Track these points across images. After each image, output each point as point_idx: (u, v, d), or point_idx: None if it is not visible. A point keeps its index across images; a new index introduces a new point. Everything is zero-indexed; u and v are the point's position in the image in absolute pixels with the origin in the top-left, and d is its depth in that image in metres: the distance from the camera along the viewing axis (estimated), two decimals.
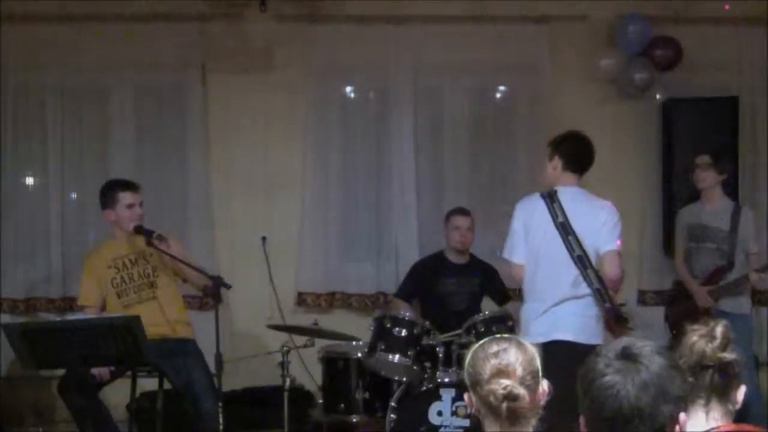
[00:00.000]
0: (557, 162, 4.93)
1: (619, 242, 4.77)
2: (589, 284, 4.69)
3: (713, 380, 2.49)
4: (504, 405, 2.40)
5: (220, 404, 4.81)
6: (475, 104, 7.25)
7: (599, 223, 4.78)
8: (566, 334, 4.60)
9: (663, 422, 2.04)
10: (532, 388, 2.44)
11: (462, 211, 6.27)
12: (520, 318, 5.05)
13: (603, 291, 4.68)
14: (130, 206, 5.32)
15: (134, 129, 7.01)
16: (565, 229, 4.71)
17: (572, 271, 4.71)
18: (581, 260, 4.69)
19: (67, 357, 4.43)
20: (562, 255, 4.72)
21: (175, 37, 6.90)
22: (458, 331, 5.45)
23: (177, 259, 5.23)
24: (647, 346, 2.11)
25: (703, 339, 2.51)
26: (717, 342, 2.50)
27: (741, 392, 2.55)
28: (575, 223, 4.73)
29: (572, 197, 4.82)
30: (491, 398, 2.41)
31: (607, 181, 7.12)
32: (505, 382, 2.41)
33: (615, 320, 4.75)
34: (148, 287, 5.36)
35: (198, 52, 6.94)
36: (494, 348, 2.49)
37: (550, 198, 4.77)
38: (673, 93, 6.99)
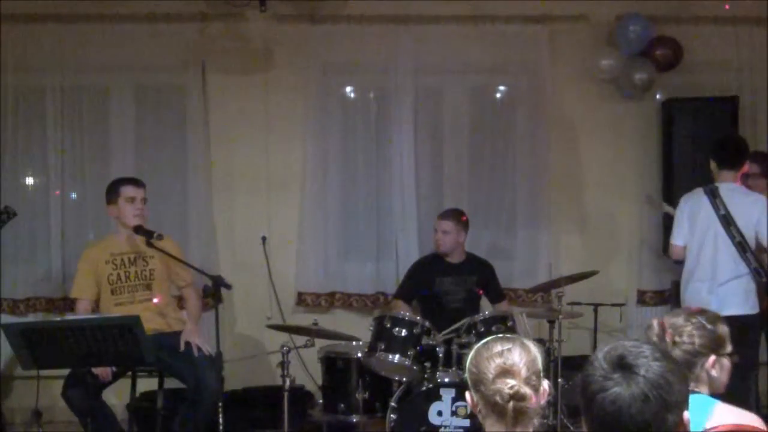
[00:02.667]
0: (713, 163, 5.70)
1: None
2: (748, 265, 5.50)
3: None
4: (510, 404, 2.40)
5: (220, 404, 4.82)
6: (475, 104, 7.25)
7: (757, 212, 5.48)
8: (736, 309, 5.37)
9: (668, 430, 2.03)
10: (536, 389, 2.45)
11: (443, 215, 6.30)
12: (683, 296, 5.71)
13: (761, 270, 5.50)
14: (131, 200, 5.31)
15: (134, 129, 7.02)
16: (726, 220, 5.51)
17: (734, 255, 5.51)
18: (741, 246, 5.49)
19: (66, 357, 4.41)
20: (725, 242, 5.52)
21: (175, 37, 6.91)
22: (457, 326, 5.44)
23: (177, 259, 5.23)
24: (644, 351, 2.09)
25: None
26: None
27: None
28: (735, 215, 5.50)
29: (731, 192, 5.57)
30: (497, 397, 2.41)
31: (607, 180, 7.17)
32: (511, 381, 2.41)
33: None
34: (143, 289, 5.36)
35: (198, 52, 6.94)
36: (498, 347, 2.49)
37: (713, 194, 5.58)
38: (673, 93, 7.01)
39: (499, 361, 2.46)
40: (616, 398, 2.03)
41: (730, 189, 5.58)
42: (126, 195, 5.32)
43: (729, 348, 3.03)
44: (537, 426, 2.48)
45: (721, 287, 5.52)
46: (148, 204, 5.47)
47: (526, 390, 2.41)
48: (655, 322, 3.02)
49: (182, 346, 5.16)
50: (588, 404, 2.09)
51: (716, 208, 5.54)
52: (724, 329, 3.03)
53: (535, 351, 2.52)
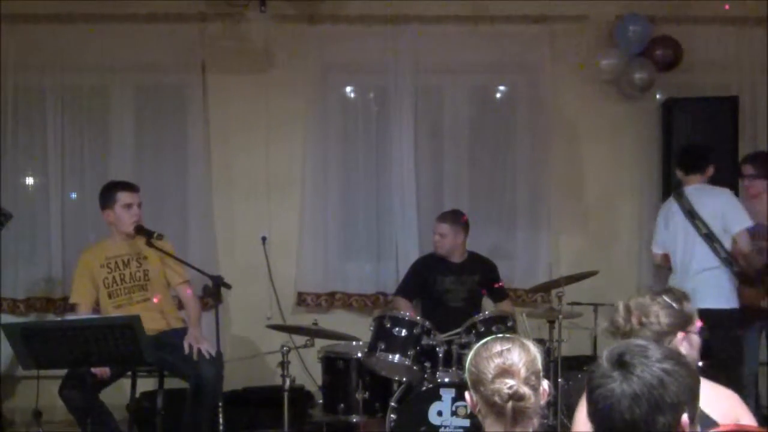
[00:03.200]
0: (679, 172, 5.98)
1: (748, 222, 5.67)
2: (718, 255, 5.65)
3: None
4: (509, 404, 2.41)
5: (220, 403, 4.82)
6: (475, 104, 7.25)
7: (721, 204, 5.72)
8: (709, 302, 5.30)
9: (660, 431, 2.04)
10: (536, 388, 2.45)
11: (440, 217, 6.29)
12: None
13: (731, 258, 5.64)
14: (128, 206, 5.32)
15: (134, 129, 7.02)
16: (691, 215, 5.75)
17: (703, 247, 5.69)
18: (708, 237, 5.67)
19: (66, 357, 4.41)
20: (694, 236, 5.74)
21: (175, 37, 6.91)
22: (458, 330, 5.45)
23: (177, 259, 5.23)
24: (647, 352, 2.10)
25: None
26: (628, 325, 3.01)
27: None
28: (699, 208, 5.73)
29: (696, 191, 5.82)
30: (496, 397, 2.41)
31: (607, 180, 7.17)
32: (510, 381, 2.41)
33: (744, 283, 5.71)
34: (139, 290, 5.37)
35: (198, 52, 6.95)
36: (498, 347, 2.49)
37: (678, 195, 5.87)
38: (673, 93, 7.00)
39: (498, 361, 2.46)
40: (610, 394, 2.06)
41: (695, 188, 5.83)
42: (123, 201, 5.32)
43: (697, 323, 3.04)
44: (537, 426, 2.47)
45: (692, 279, 5.64)
46: (142, 206, 5.48)
47: (525, 390, 2.41)
48: (621, 305, 3.05)
49: (186, 349, 5.15)
50: (588, 398, 2.12)
51: (682, 207, 5.80)
52: (689, 306, 3.04)
53: (535, 351, 2.51)
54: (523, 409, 2.41)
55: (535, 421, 2.46)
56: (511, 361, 2.45)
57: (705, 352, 3.11)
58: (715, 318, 4.92)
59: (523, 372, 2.44)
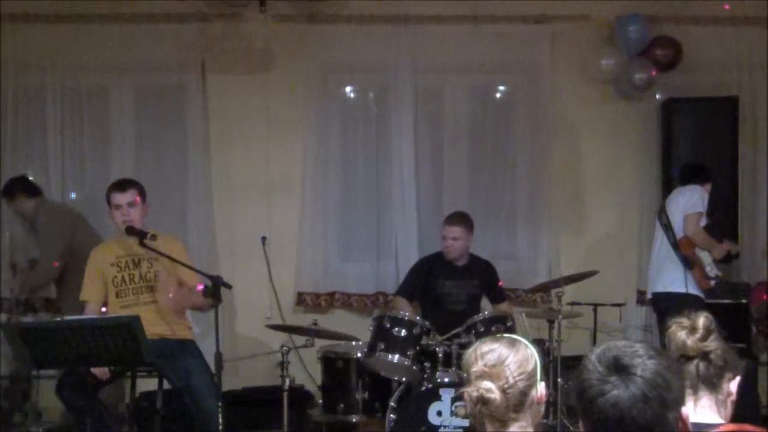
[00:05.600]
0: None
1: (698, 209, 6.15)
2: (671, 242, 6.22)
3: (698, 370, 2.53)
4: (477, 407, 2.40)
5: (220, 404, 4.79)
6: (475, 104, 7.25)
7: (683, 199, 6.21)
8: (657, 286, 6.26)
9: (671, 428, 2.01)
10: (520, 391, 2.41)
11: (453, 220, 6.23)
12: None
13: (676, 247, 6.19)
14: (117, 206, 5.25)
15: (134, 129, 7.03)
16: (660, 209, 6.40)
17: (662, 237, 6.30)
18: (666, 227, 6.26)
19: (66, 357, 4.40)
20: (658, 226, 6.38)
21: (175, 38, 6.91)
22: (458, 330, 5.45)
23: (173, 260, 5.18)
24: (637, 350, 2.06)
25: (685, 331, 2.55)
26: (698, 333, 2.54)
27: (733, 384, 2.56)
28: (668, 204, 6.34)
29: (674, 193, 6.40)
30: (468, 399, 2.42)
31: (607, 180, 7.17)
32: (485, 384, 2.39)
33: (690, 268, 6.17)
34: (147, 291, 5.29)
35: (198, 52, 6.95)
36: (484, 348, 2.48)
37: (660, 210, 6.45)
38: (673, 93, 7.00)
39: (480, 362, 2.43)
40: (617, 401, 1.99)
41: (674, 191, 6.39)
42: (113, 202, 5.27)
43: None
44: (530, 426, 2.46)
45: (654, 267, 6.37)
46: (147, 203, 5.39)
47: (493, 395, 2.38)
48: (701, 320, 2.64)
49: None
50: (586, 408, 2.05)
51: (660, 219, 6.37)
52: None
53: (528, 351, 2.47)
54: (491, 413, 2.40)
55: (524, 423, 2.44)
56: (493, 362, 2.42)
57: None
58: (666, 301, 6.12)
59: (505, 373, 2.40)
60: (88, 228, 6.08)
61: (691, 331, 2.55)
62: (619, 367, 2.03)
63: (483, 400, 2.38)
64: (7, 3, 6.69)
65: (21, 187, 6.42)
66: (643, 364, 2.03)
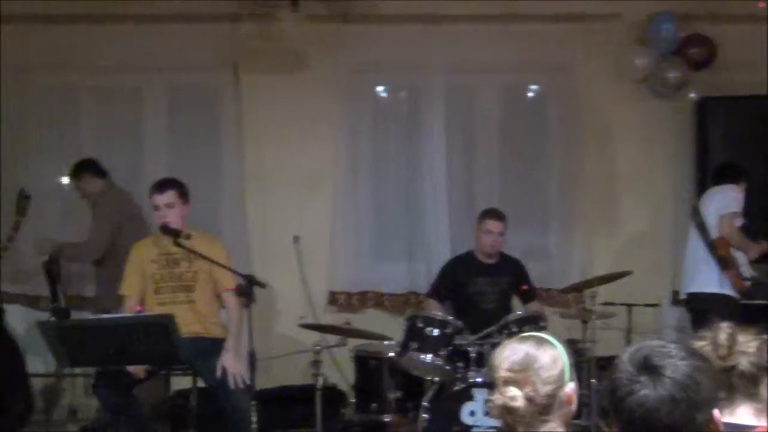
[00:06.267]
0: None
1: (733, 209, 6.12)
2: (705, 243, 6.15)
3: (731, 383, 2.46)
4: (502, 413, 2.39)
5: (253, 402, 4.82)
6: (507, 103, 7.24)
7: (717, 199, 6.19)
8: (691, 287, 6.22)
9: (700, 429, 2.01)
10: (547, 395, 2.40)
11: (496, 215, 6.20)
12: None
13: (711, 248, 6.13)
14: (156, 207, 5.30)
15: (168, 129, 7.07)
16: (694, 209, 6.33)
17: (696, 237, 6.24)
18: (700, 227, 6.20)
19: (101, 355, 4.44)
20: (692, 227, 6.31)
21: (207, 38, 6.95)
22: (491, 329, 5.44)
23: (207, 259, 5.21)
24: (670, 351, 2.06)
25: (709, 347, 2.49)
26: (722, 350, 2.47)
27: None
28: (702, 204, 6.28)
29: (708, 192, 6.35)
30: (491, 405, 2.40)
31: (640, 179, 7.13)
32: (510, 392, 2.38)
33: (725, 269, 6.11)
34: (184, 290, 5.32)
35: (231, 52, 6.98)
36: (510, 350, 2.46)
37: (694, 211, 6.39)
38: (707, 92, 6.95)
39: (506, 366, 2.42)
40: (644, 401, 2.00)
41: (709, 191, 6.34)
42: (153, 202, 5.32)
43: None
44: (560, 427, 2.44)
45: (689, 268, 6.30)
46: (188, 203, 5.42)
47: (516, 404, 2.37)
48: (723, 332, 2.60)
49: (218, 371, 5.07)
50: (617, 407, 2.06)
51: (694, 219, 6.31)
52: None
53: (556, 352, 2.45)
54: (516, 421, 2.38)
55: (553, 424, 2.42)
56: (519, 367, 2.40)
57: None
58: (701, 302, 6.09)
59: (531, 379, 2.39)
60: (139, 225, 6.09)
61: (714, 348, 2.50)
62: (648, 367, 2.03)
63: (508, 409, 2.37)
64: (41, 4, 6.76)
65: (89, 167, 6.50)
66: (674, 365, 2.02)
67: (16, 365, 6.78)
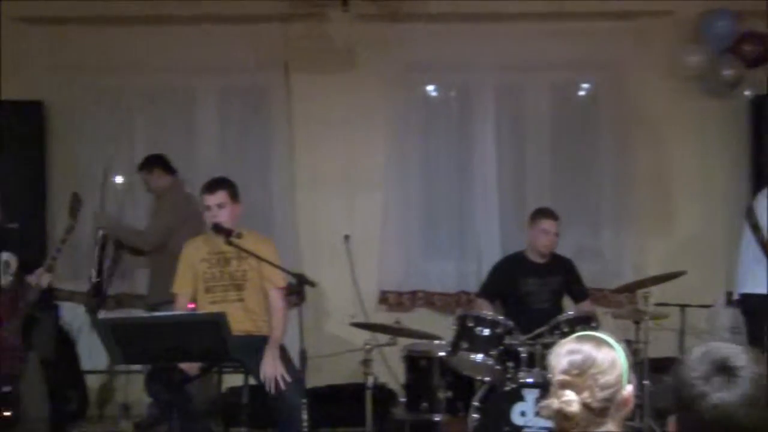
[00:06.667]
0: None
1: None
2: (759, 243, 5.93)
3: None
4: (557, 418, 2.34)
5: (304, 400, 4.84)
6: (558, 102, 7.19)
7: None
8: (745, 287, 5.99)
9: None
10: (604, 399, 2.33)
11: (551, 215, 6.14)
12: None
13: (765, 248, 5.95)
14: (207, 207, 5.35)
15: (219, 129, 7.13)
16: (749, 208, 6.07)
17: (750, 237, 6.01)
18: (754, 227, 5.98)
19: (154, 352, 4.48)
20: (745, 226, 6.07)
21: (258, 38, 6.99)
22: (542, 329, 5.41)
23: (258, 258, 5.24)
24: (742, 352, 2.02)
25: None
26: None
27: None
28: (756, 203, 6.03)
29: (762, 192, 6.09)
30: (546, 407, 2.36)
31: (694, 179, 7.05)
32: (567, 396, 2.32)
33: None
34: (235, 289, 5.36)
35: (281, 52, 7.02)
36: (568, 350, 2.39)
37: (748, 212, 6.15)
38: (762, 89, 6.84)
39: (564, 366, 2.35)
40: (719, 403, 1.96)
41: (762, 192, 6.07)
42: (204, 203, 5.37)
43: None
44: (615, 428, 2.41)
45: (741, 269, 6.08)
46: (239, 203, 5.46)
47: (572, 410, 2.31)
48: None
49: (261, 377, 5.08)
50: (685, 410, 2.01)
51: (749, 219, 6.04)
52: None
53: (614, 354, 2.38)
54: (571, 426, 2.34)
55: (611, 426, 2.39)
56: (577, 370, 2.33)
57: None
58: (754, 303, 5.87)
59: (588, 383, 2.32)
60: (197, 226, 6.14)
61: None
62: (723, 369, 1.98)
63: (563, 415, 2.31)
64: (96, 5, 6.85)
65: (159, 162, 6.61)
66: (749, 366, 1.97)
67: (71, 362, 6.91)
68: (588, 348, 2.37)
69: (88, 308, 6.49)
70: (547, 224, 6.11)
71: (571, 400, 2.31)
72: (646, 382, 5.48)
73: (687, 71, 6.95)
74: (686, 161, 7.08)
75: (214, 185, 5.38)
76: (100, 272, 6.54)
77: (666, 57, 6.98)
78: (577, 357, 2.35)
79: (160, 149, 6.92)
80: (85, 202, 5.97)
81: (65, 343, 6.92)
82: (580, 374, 2.33)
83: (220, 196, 5.31)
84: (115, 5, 6.90)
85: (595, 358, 2.35)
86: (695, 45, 6.90)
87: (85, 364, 6.95)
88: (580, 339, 2.42)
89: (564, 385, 2.33)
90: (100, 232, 6.43)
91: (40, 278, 5.25)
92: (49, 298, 6.49)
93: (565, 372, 2.34)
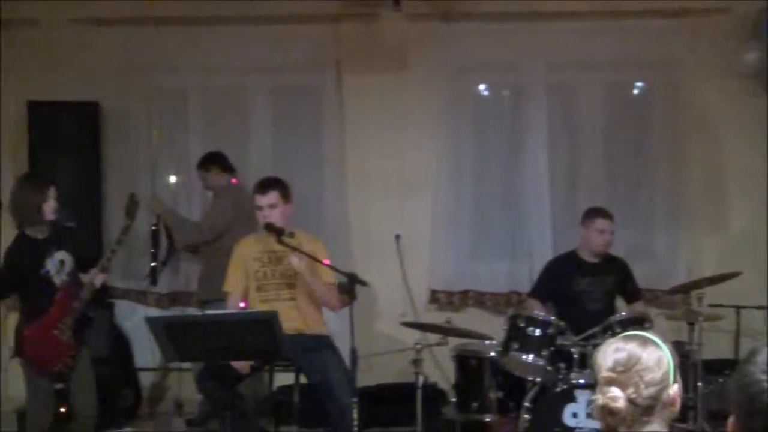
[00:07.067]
0: None
1: None
2: None
3: None
4: (602, 415, 2.34)
5: (354, 399, 4.85)
6: (611, 101, 7.14)
7: None
8: None
9: None
10: (651, 397, 2.34)
11: (607, 214, 6.09)
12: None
13: None
14: (258, 208, 5.38)
15: (271, 129, 7.18)
16: None
17: None
18: None
19: (207, 350, 4.52)
20: None
21: (311, 38, 7.04)
22: (594, 330, 5.36)
23: (310, 257, 5.26)
24: None
25: None
26: None
27: None
28: None
29: None
30: (593, 405, 2.37)
31: (750, 179, 6.93)
32: (612, 392, 2.32)
33: None
34: (287, 287, 5.38)
35: (333, 52, 7.04)
36: (613, 348, 2.40)
37: None
38: None
39: (609, 364, 2.37)
40: None
41: None
42: (255, 203, 5.40)
43: None
44: (670, 428, 2.39)
45: None
46: (290, 202, 5.48)
47: (617, 405, 2.31)
48: None
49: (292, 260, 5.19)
50: (751, 410, 1.94)
51: None
52: None
53: (660, 354, 2.38)
54: (617, 423, 2.33)
55: (657, 425, 2.37)
56: (623, 367, 2.35)
57: None
58: None
59: (634, 379, 2.33)
60: (251, 224, 6.18)
61: None
62: None
63: (608, 410, 2.33)
64: (151, 7, 6.94)
65: (217, 160, 6.70)
66: None
67: (125, 359, 7.00)
68: (633, 346, 2.39)
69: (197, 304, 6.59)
70: (603, 224, 6.06)
71: (616, 396, 2.33)
72: (699, 383, 5.40)
73: (743, 69, 6.83)
74: (741, 160, 6.97)
75: (266, 186, 5.41)
76: (154, 257, 6.64)
77: (722, 55, 6.87)
78: (622, 354, 2.37)
79: (213, 148, 6.99)
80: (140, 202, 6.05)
81: (119, 340, 7.02)
82: (625, 371, 2.35)
83: (272, 197, 5.34)
84: (170, 6, 6.98)
85: (641, 355, 2.37)
86: (752, 42, 6.78)
87: (139, 361, 7.05)
88: (626, 338, 2.45)
89: (609, 382, 2.35)
90: (155, 217, 6.51)
91: (94, 278, 5.32)
92: (104, 296, 6.58)
93: (611, 369, 2.36)
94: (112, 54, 7.03)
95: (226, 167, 6.67)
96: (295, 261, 5.21)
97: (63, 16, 7.05)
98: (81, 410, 5.31)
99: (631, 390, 2.33)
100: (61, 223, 5.32)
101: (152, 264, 6.70)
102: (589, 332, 5.39)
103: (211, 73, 7.15)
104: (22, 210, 5.23)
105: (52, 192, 5.20)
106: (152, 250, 6.70)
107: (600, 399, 2.34)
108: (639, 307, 6.16)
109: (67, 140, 6.93)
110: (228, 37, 7.03)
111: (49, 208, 5.19)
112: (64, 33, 7.08)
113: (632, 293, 6.25)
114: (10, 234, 5.40)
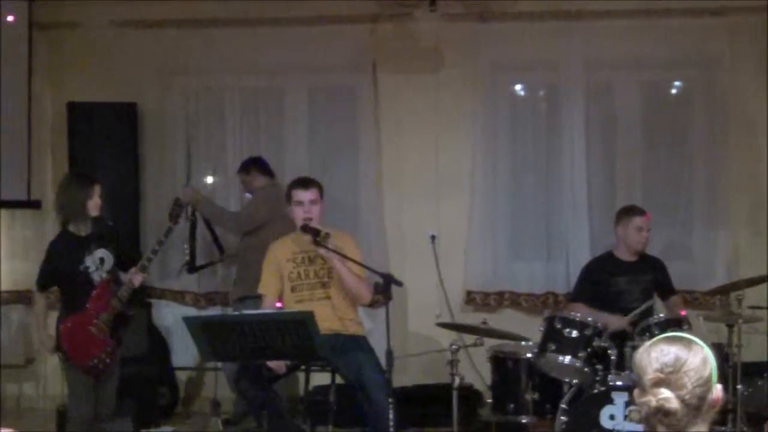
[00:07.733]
0: None
1: None
2: None
3: None
4: (657, 418, 2.32)
5: (390, 399, 4.85)
6: (649, 100, 7.08)
7: None
8: None
9: None
10: (698, 397, 2.32)
11: (642, 211, 6.06)
12: None
13: None
14: (299, 203, 5.37)
15: (308, 129, 7.20)
16: None
17: None
18: None
19: (243, 350, 4.53)
20: None
21: (346, 38, 7.06)
22: (642, 307, 5.28)
23: (345, 257, 5.26)
24: None
25: None
26: None
27: None
28: None
29: None
30: (645, 408, 2.34)
31: None
32: (664, 393, 2.31)
33: None
34: (320, 287, 5.39)
35: (369, 52, 7.06)
36: (658, 350, 2.37)
37: None
38: None
39: (656, 365, 2.34)
40: None
41: None
42: (295, 198, 5.38)
43: None
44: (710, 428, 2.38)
45: None
46: (323, 201, 5.50)
47: (673, 405, 2.30)
48: None
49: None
50: None
51: None
52: None
53: (704, 355, 2.37)
54: (672, 424, 2.32)
55: (701, 427, 2.35)
56: (671, 369, 2.32)
57: None
58: None
59: (683, 380, 2.31)
60: (287, 227, 6.19)
61: None
62: None
63: (664, 411, 2.30)
64: (189, 9, 6.99)
65: (256, 164, 6.74)
66: None
67: (162, 358, 7.06)
68: (678, 347, 2.38)
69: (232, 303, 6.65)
70: (640, 221, 6.02)
71: (669, 396, 2.31)
72: (739, 386, 5.35)
73: None
74: None
75: (308, 182, 5.45)
76: (192, 247, 6.68)
77: (761, 54, 6.79)
78: (669, 356, 2.35)
79: (250, 148, 7.06)
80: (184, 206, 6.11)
81: (156, 339, 7.07)
82: (674, 372, 2.33)
83: (313, 192, 5.37)
84: (207, 8, 7.04)
85: (687, 357, 2.35)
86: None
87: (176, 360, 7.10)
88: (669, 340, 2.42)
89: (658, 384, 2.33)
90: (190, 209, 6.55)
91: (133, 278, 5.37)
92: (142, 296, 6.65)
93: (659, 371, 2.34)
94: (150, 55, 7.11)
95: (266, 171, 6.71)
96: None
97: (102, 18, 7.14)
98: (101, 405, 5.38)
99: (681, 391, 2.31)
100: (104, 221, 5.40)
101: (186, 252, 6.72)
102: (638, 312, 5.38)
103: (248, 74, 7.19)
104: (68, 206, 5.33)
105: (97, 190, 5.30)
106: (189, 240, 6.73)
107: (652, 401, 2.32)
108: (676, 302, 6.10)
109: (106, 141, 7.01)
110: (265, 38, 7.08)
111: (94, 205, 5.27)
112: (103, 35, 7.17)
113: (667, 290, 6.19)
114: (55, 231, 5.50)
